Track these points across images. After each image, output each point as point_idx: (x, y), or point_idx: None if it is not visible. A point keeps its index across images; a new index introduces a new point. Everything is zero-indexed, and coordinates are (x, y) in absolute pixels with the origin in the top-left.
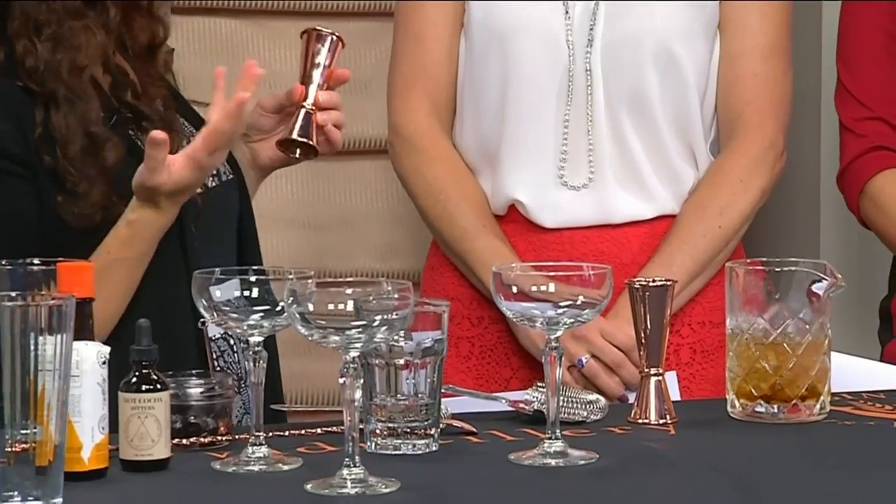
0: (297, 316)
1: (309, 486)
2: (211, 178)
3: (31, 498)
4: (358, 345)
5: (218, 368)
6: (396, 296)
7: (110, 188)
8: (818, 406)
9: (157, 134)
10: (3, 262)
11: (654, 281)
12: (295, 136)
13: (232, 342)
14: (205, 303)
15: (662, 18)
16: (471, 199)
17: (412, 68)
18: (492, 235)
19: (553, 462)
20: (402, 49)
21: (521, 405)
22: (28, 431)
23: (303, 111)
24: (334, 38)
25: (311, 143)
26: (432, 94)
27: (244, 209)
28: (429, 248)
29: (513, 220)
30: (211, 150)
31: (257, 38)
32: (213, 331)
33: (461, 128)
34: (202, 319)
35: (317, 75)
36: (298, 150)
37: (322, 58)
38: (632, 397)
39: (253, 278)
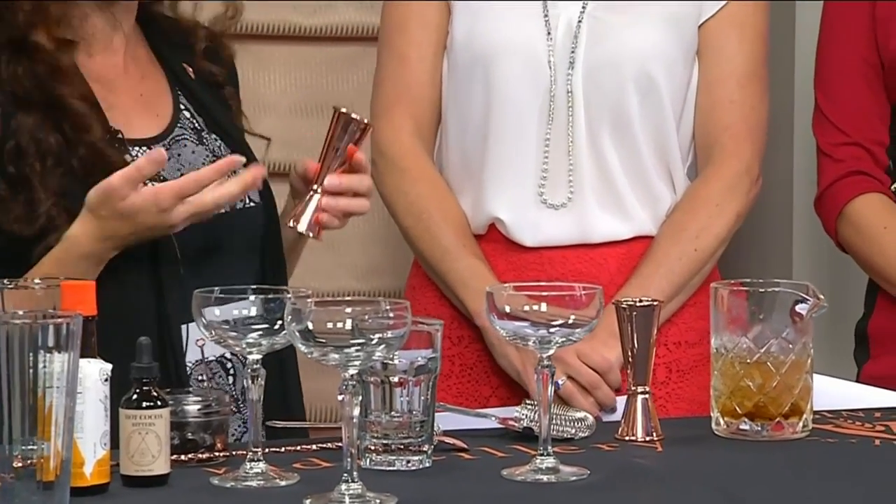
0: (297, 334)
1: (307, 502)
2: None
3: None
4: (356, 362)
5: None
6: (393, 315)
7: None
8: (801, 424)
9: (160, 152)
10: (6, 282)
11: (641, 301)
12: (292, 223)
13: (229, 366)
14: (204, 321)
15: (643, 42)
16: (452, 218)
17: (395, 89)
18: (472, 255)
19: (545, 478)
20: (385, 70)
21: (511, 422)
22: (33, 447)
23: (312, 197)
24: (357, 122)
25: (303, 233)
26: (415, 114)
27: (269, 237)
28: (410, 267)
29: (493, 239)
30: (179, 195)
31: (242, 61)
32: (210, 352)
33: (444, 147)
34: (199, 338)
35: (331, 159)
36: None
37: (340, 141)
38: (605, 418)
39: (252, 297)
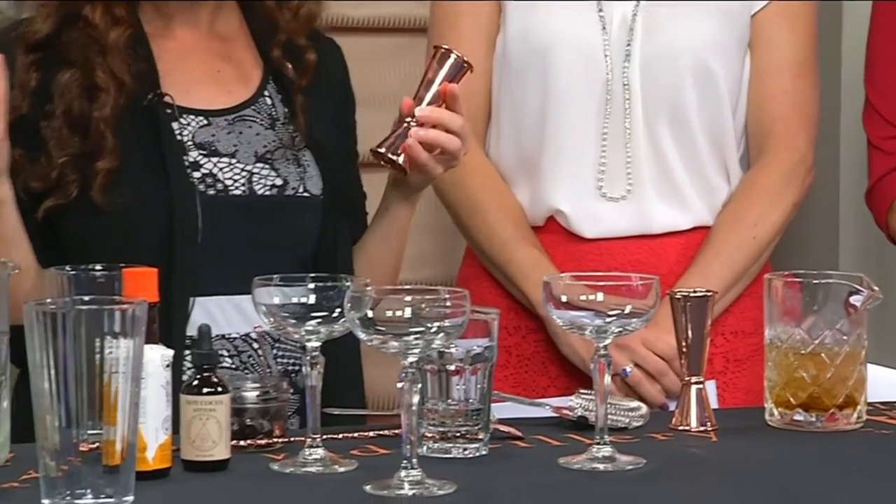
0: (357, 322)
1: (368, 488)
2: (267, 188)
3: (103, 496)
4: (416, 350)
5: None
6: (452, 303)
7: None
8: (855, 415)
9: None
10: (68, 268)
11: (695, 291)
12: (379, 148)
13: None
14: (264, 308)
15: (699, 33)
16: (508, 210)
17: None
18: (530, 246)
19: (601, 466)
20: None
21: (565, 411)
22: (97, 432)
23: (403, 126)
24: (459, 60)
25: (390, 156)
26: (468, 108)
27: (325, 233)
28: (462, 258)
29: (551, 230)
30: None
31: None
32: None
33: (497, 140)
34: (257, 325)
35: (426, 93)
36: (386, 163)
37: (437, 76)
38: (672, 406)
39: (311, 285)
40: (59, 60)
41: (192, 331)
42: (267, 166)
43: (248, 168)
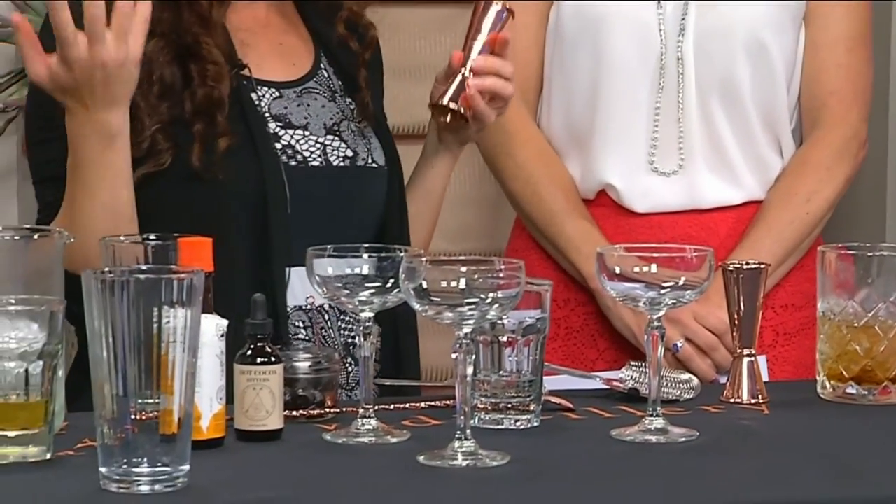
0: (412, 292)
1: (421, 458)
2: (341, 159)
3: (159, 464)
4: (471, 321)
5: (308, 339)
6: (506, 274)
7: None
8: None
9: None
10: (122, 238)
11: (748, 263)
12: (441, 101)
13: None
14: (318, 278)
15: (753, 8)
16: (560, 182)
17: None
18: (582, 218)
19: (654, 438)
20: None
21: (616, 383)
22: (152, 401)
23: (458, 77)
24: (503, 10)
25: (453, 106)
26: (520, 80)
27: (392, 201)
28: (511, 230)
29: (602, 203)
30: (64, 45)
31: None
32: (303, 300)
33: (548, 112)
34: (309, 295)
35: (476, 43)
36: (450, 117)
37: (484, 26)
38: (723, 380)
39: (365, 255)
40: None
41: (293, 301)
42: (337, 138)
43: (321, 140)
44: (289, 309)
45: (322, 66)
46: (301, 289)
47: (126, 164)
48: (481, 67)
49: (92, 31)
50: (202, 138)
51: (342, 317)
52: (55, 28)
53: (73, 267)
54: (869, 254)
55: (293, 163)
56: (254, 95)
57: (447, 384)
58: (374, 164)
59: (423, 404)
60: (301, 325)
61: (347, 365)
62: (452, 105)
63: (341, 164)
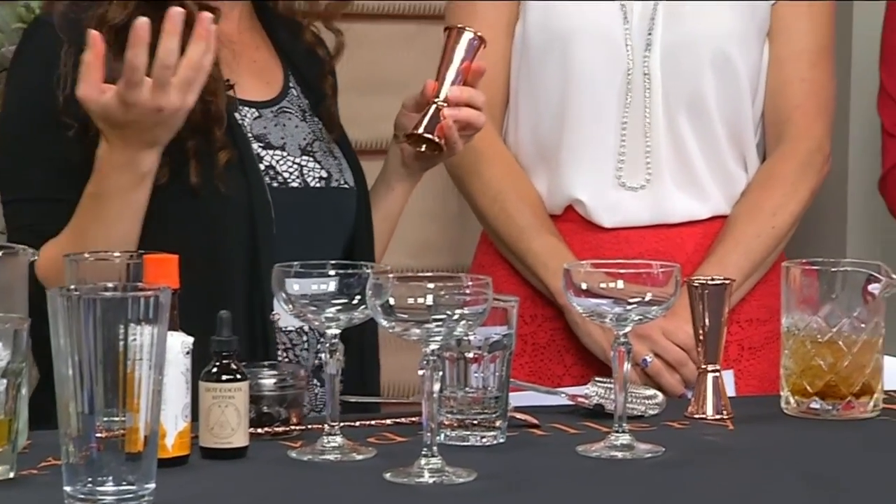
0: (378, 309)
1: (388, 475)
2: (317, 180)
3: (125, 483)
4: (438, 338)
5: (287, 360)
6: (474, 291)
7: None
8: (872, 403)
9: (93, 35)
10: (86, 255)
11: (713, 279)
12: (417, 131)
13: (305, 338)
14: (284, 295)
15: (719, 22)
16: (527, 198)
17: None
18: (549, 234)
19: (620, 454)
20: None
21: (581, 399)
22: (117, 419)
23: (432, 107)
24: (475, 37)
25: (430, 136)
26: (487, 95)
27: (360, 221)
28: (477, 245)
29: (569, 219)
30: (129, 85)
31: None
32: (286, 322)
33: (515, 128)
34: (273, 311)
35: (449, 72)
36: (424, 146)
37: (456, 55)
38: (691, 395)
39: (331, 272)
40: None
41: (283, 323)
42: (311, 159)
43: (298, 161)
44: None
45: (291, 84)
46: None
47: (146, 202)
48: (456, 98)
49: (160, 77)
50: (197, 154)
51: (321, 339)
52: (127, 66)
53: None
54: (833, 269)
55: (275, 184)
56: (237, 115)
57: (412, 401)
58: (346, 186)
59: (388, 421)
60: (281, 346)
61: (313, 386)
62: (428, 136)
63: (318, 185)
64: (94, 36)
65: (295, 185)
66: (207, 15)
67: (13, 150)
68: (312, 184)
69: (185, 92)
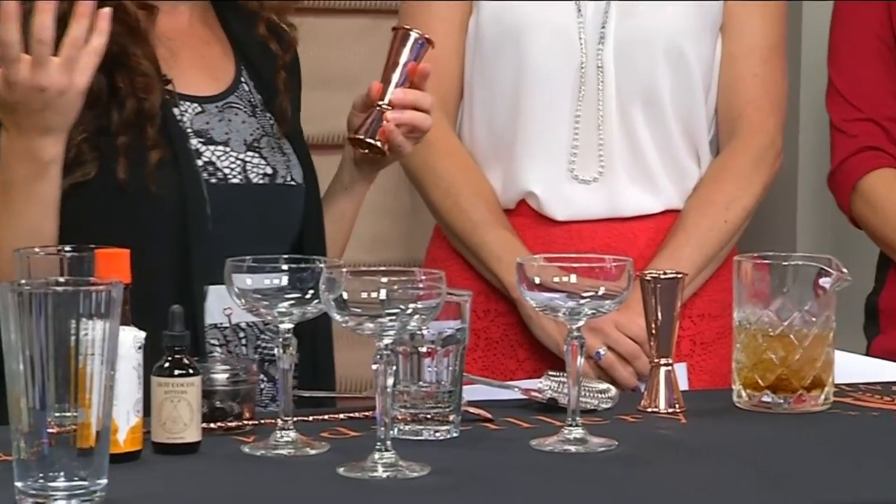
0: (332, 303)
1: (341, 470)
2: (260, 176)
3: (76, 478)
4: (391, 332)
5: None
6: (427, 285)
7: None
8: (823, 396)
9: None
10: (37, 249)
11: (665, 273)
12: (358, 135)
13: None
14: (236, 290)
15: (672, 17)
16: (481, 192)
17: None
18: (503, 228)
19: (573, 448)
20: None
21: (535, 393)
22: (69, 414)
23: (375, 110)
24: (419, 38)
25: (370, 141)
26: (441, 90)
27: (309, 218)
28: (430, 240)
29: (522, 213)
30: (5, 62)
31: None
32: (238, 317)
33: (469, 122)
34: (226, 307)
35: (394, 75)
36: (368, 150)
37: (402, 57)
38: (644, 388)
39: (284, 267)
40: None
41: (211, 319)
42: (257, 155)
43: (241, 157)
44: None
45: (243, 79)
46: (218, 306)
47: (56, 193)
48: (400, 100)
49: (37, 54)
50: (127, 151)
51: (261, 336)
52: (0, 44)
53: None
54: (784, 263)
55: (214, 180)
56: (176, 110)
57: (366, 395)
58: (292, 182)
59: (342, 416)
60: (216, 342)
61: (261, 382)
62: (370, 140)
63: (261, 181)
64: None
65: (236, 181)
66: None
67: None
68: (255, 180)
69: (70, 71)
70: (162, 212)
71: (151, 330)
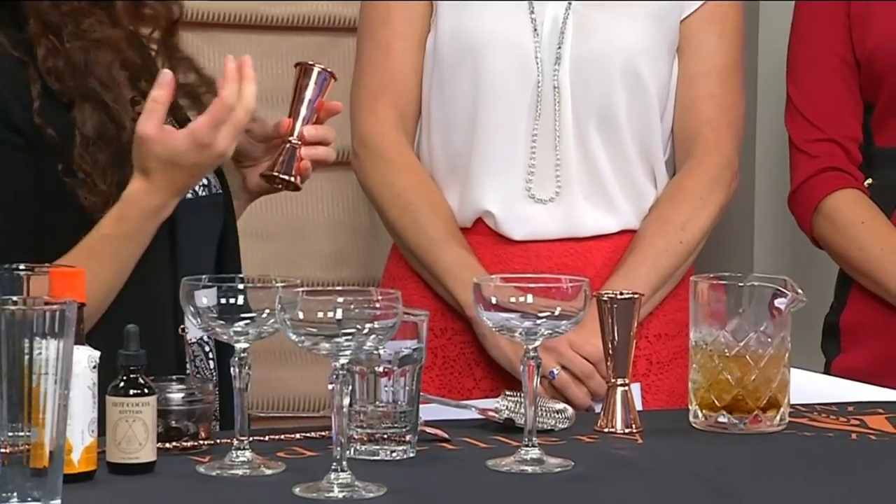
0: (288, 323)
1: (297, 490)
2: (201, 188)
3: (30, 499)
4: (347, 352)
5: (194, 373)
6: (384, 305)
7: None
8: (778, 417)
9: (166, 73)
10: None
11: (622, 294)
12: (275, 172)
13: (207, 348)
14: (192, 309)
15: (628, 37)
16: (438, 210)
17: (380, 80)
18: (459, 247)
19: (530, 469)
20: (368, 61)
21: (492, 413)
22: (21, 434)
23: (288, 146)
24: (323, 72)
25: (289, 180)
26: (398, 106)
27: (228, 226)
28: (388, 258)
29: (479, 232)
30: (214, 124)
31: (207, 49)
32: (192, 334)
33: (427, 140)
34: (182, 325)
35: (303, 109)
36: (280, 184)
37: (310, 92)
38: (598, 408)
39: (240, 286)
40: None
41: (190, 336)
42: None
43: None
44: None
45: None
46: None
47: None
48: (311, 136)
49: (234, 121)
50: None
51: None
52: (220, 104)
53: None
54: (740, 284)
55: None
56: None
57: (322, 415)
58: (219, 192)
59: (298, 435)
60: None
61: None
62: (286, 177)
63: (203, 193)
64: (167, 74)
65: (189, 195)
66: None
67: None
68: (200, 192)
69: (232, 139)
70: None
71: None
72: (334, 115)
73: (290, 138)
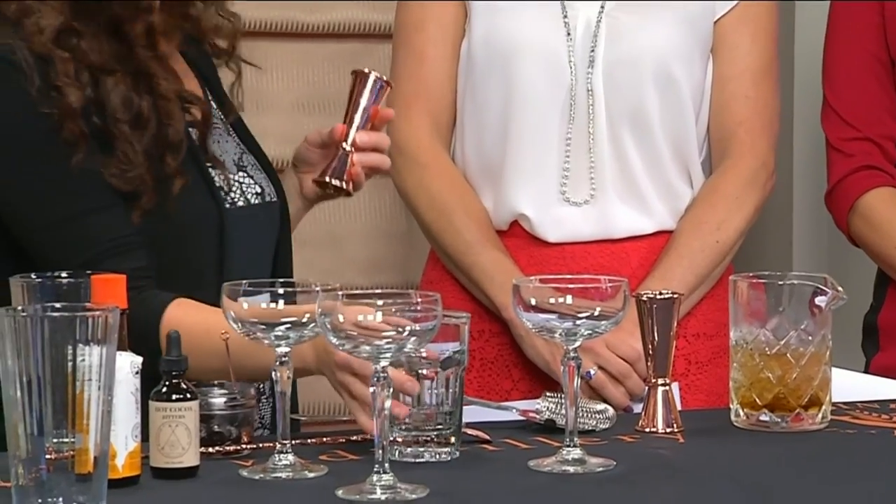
0: (329, 327)
1: (340, 492)
2: (254, 196)
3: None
4: (388, 355)
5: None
6: (424, 307)
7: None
8: (820, 415)
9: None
10: (33, 276)
11: (661, 293)
12: (327, 178)
13: None
14: (233, 314)
15: (662, 40)
16: (474, 213)
17: (415, 87)
18: (496, 249)
19: (572, 469)
20: (403, 68)
21: (532, 414)
22: (66, 440)
23: (340, 152)
24: (379, 80)
25: (340, 185)
26: (433, 112)
27: (283, 234)
28: (426, 262)
29: (514, 234)
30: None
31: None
32: None
33: (461, 145)
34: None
35: (358, 116)
36: (332, 190)
37: (364, 99)
38: (636, 408)
39: (280, 291)
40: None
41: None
42: (245, 174)
43: (237, 178)
44: None
45: (212, 102)
46: None
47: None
48: (364, 143)
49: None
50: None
51: None
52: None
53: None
54: (779, 282)
55: (227, 204)
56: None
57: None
58: (274, 199)
59: (341, 439)
60: None
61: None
62: (337, 183)
63: (256, 201)
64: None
65: (241, 203)
66: None
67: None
68: (253, 201)
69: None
70: (200, 237)
71: None
72: (387, 122)
73: (344, 144)
